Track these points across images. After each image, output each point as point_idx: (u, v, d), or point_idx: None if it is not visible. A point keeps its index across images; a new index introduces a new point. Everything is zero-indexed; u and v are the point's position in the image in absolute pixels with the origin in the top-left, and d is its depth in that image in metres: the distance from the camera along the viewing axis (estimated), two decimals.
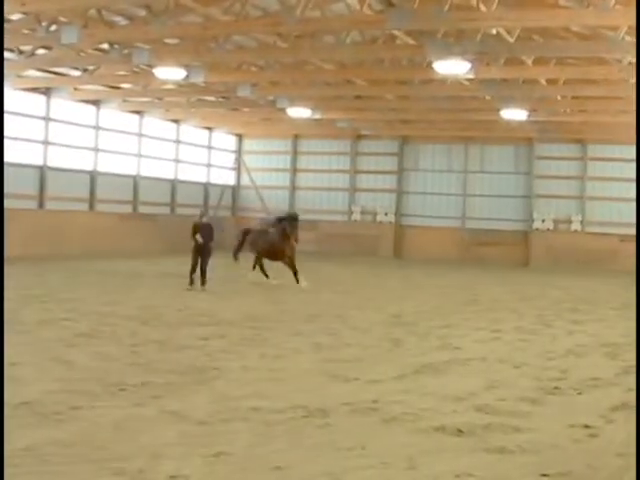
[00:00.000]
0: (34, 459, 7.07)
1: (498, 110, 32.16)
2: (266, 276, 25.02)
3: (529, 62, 26.16)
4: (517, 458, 7.64)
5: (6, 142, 32.84)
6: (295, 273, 24.44)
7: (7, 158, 32.65)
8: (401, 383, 10.87)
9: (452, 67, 23.15)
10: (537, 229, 42.01)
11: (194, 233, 22.79)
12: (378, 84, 31.12)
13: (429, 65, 24.34)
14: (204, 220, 23.53)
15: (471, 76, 25.41)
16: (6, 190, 31.63)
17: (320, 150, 46.57)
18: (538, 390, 10.58)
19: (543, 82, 28.84)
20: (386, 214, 44.92)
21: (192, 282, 22.48)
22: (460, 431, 8.41)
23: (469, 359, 12.91)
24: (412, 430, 8.48)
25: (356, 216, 45.65)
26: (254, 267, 25.33)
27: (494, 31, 22.56)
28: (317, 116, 36.48)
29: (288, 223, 25.41)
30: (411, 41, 23.72)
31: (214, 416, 8.73)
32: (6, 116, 32.81)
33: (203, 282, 22.46)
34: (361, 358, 12.76)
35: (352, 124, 40.58)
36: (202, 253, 22.70)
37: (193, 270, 22.63)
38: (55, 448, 7.39)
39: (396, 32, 23.10)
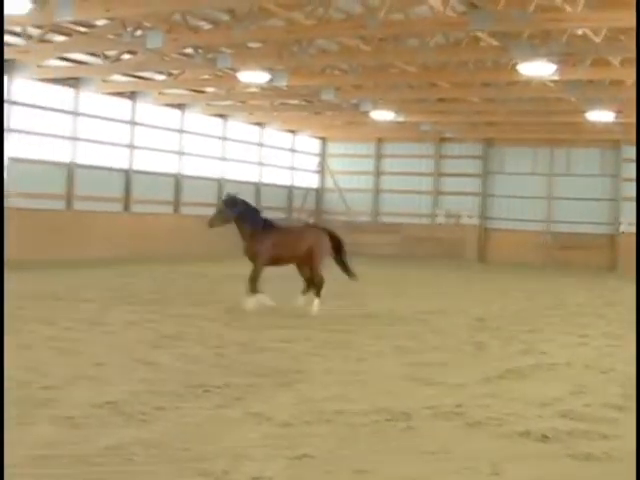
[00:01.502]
0: (118, 459, 7.12)
1: (584, 112, 31.78)
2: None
3: (616, 63, 25.77)
4: (603, 465, 7.50)
5: (93, 146, 33.36)
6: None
7: (94, 161, 33.19)
8: (485, 387, 10.76)
9: (537, 69, 22.95)
10: (624, 232, 41.29)
11: None
12: (462, 86, 30.95)
13: (514, 67, 24.14)
14: (312, 222, 22.60)
15: (556, 78, 25.16)
16: (93, 193, 32.10)
17: (403, 153, 46.45)
18: (625, 397, 10.36)
19: (630, 83, 28.39)
20: (470, 217, 44.64)
21: (307, 287, 21.77)
22: (545, 437, 8.27)
23: (554, 364, 12.73)
24: (496, 435, 8.38)
25: (440, 219, 45.43)
26: None
27: (580, 32, 22.27)
28: (400, 119, 36.41)
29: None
30: (495, 43, 23.52)
31: (297, 418, 8.72)
32: (93, 120, 33.35)
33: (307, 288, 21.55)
34: (445, 362, 12.67)
35: (435, 127, 40.41)
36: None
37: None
38: (139, 448, 7.44)
39: (480, 34, 22.92)
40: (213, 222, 18.50)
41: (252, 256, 18.10)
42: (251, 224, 18.21)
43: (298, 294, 18.59)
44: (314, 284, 18.35)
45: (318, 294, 18.16)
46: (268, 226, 18.41)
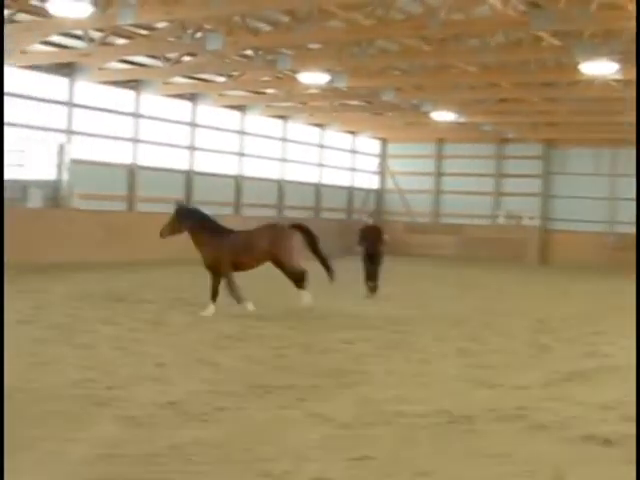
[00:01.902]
0: (179, 459, 7.17)
1: None
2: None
3: None
4: None
5: (154, 148, 33.62)
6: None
7: (155, 163, 33.45)
8: (548, 390, 10.67)
9: (599, 68, 22.73)
10: None
11: (362, 238, 21.73)
12: (523, 87, 30.74)
13: (575, 66, 23.93)
14: (371, 223, 22.40)
15: (619, 77, 24.87)
16: (154, 194, 32.31)
17: (464, 154, 46.24)
18: None
19: None
20: (531, 218, 44.31)
21: (371, 290, 21.54)
22: (609, 441, 8.16)
23: (618, 367, 12.59)
24: (559, 439, 8.30)
25: (500, 220, 45.15)
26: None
27: None
28: (461, 119, 36.27)
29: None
30: (557, 42, 23.34)
31: (358, 419, 8.72)
32: (153, 122, 33.61)
33: (372, 290, 21.58)
34: (507, 364, 12.59)
35: (496, 127, 40.17)
36: (373, 258, 21.66)
37: (368, 277, 21.67)
38: (200, 448, 7.48)
39: (541, 33, 22.75)
40: (163, 232, 17.73)
41: (212, 265, 17.48)
42: (207, 232, 17.54)
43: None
44: (295, 280, 17.82)
45: (301, 287, 17.72)
46: (223, 232, 17.76)
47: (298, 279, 17.71)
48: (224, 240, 17.53)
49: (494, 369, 12.05)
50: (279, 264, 17.81)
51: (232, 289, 17.49)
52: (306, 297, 17.47)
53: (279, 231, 18.06)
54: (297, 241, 18.06)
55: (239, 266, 17.76)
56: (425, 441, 8.03)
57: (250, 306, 17.27)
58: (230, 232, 17.91)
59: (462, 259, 41.08)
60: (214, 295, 17.25)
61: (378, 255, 21.56)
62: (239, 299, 17.41)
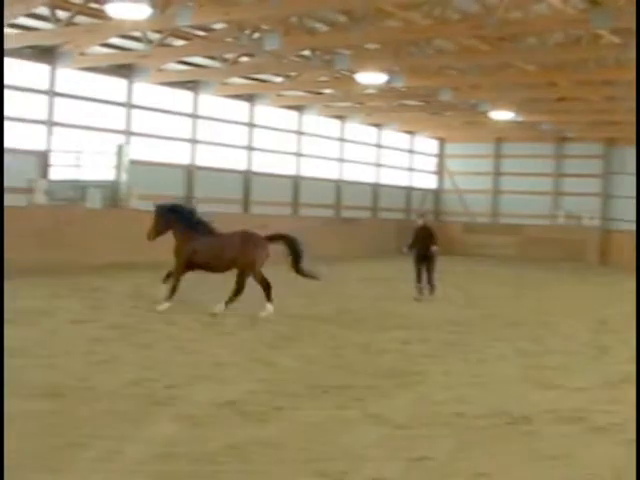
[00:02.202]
0: (237, 458, 7.19)
1: None
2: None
3: None
4: None
5: (213, 148, 33.81)
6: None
7: (213, 163, 33.63)
8: (608, 392, 10.57)
9: None
10: None
11: (416, 239, 21.18)
12: (582, 85, 30.44)
13: (635, 64, 23.64)
14: (423, 223, 21.67)
15: None
16: (212, 195, 32.44)
17: (523, 153, 45.89)
18: None
19: None
20: (591, 218, 43.87)
21: (421, 292, 21.01)
22: None
23: None
24: (619, 441, 8.21)
25: (560, 220, 44.77)
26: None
27: None
28: (520, 119, 36.01)
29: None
30: (617, 40, 23.09)
31: (416, 420, 8.70)
32: (211, 123, 33.79)
33: (431, 290, 21.01)
34: (566, 365, 12.48)
35: (555, 127, 39.86)
36: (426, 259, 21.05)
37: (419, 279, 21.07)
38: (258, 447, 7.50)
39: (601, 31, 22.52)
40: (149, 235, 17.68)
41: (175, 254, 17.34)
42: (183, 226, 17.25)
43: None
44: (265, 288, 17.10)
45: (232, 299, 16.73)
46: (199, 231, 17.27)
47: (236, 292, 16.88)
48: (195, 238, 17.19)
49: (553, 370, 11.95)
50: (240, 272, 17.12)
51: (174, 284, 17.00)
52: (268, 309, 16.68)
53: (250, 242, 17.43)
54: (265, 253, 17.63)
55: (207, 267, 17.49)
56: (483, 442, 7.99)
57: (162, 307, 16.55)
58: (209, 232, 17.47)
59: (521, 259, 40.81)
60: (173, 291, 16.88)
61: (430, 256, 21.03)
62: (167, 297, 16.84)
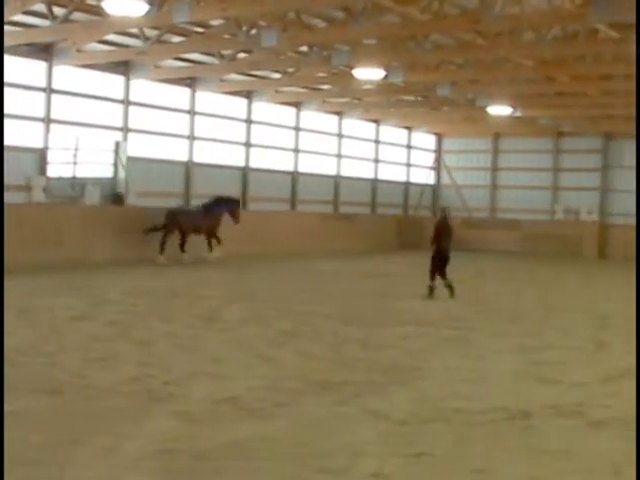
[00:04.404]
0: (239, 454, 7.22)
1: None
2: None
3: None
4: None
5: (211, 145, 33.82)
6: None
7: (211, 160, 33.65)
8: (607, 387, 10.59)
9: None
10: None
11: (437, 236, 20.09)
12: (580, 80, 30.41)
13: (633, 59, 23.63)
14: (445, 220, 20.61)
15: None
16: (210, 191, 32.46)
17: (521, 148, 45.89)
18: None
19: None
20: (589, 213, 43.86)
21: (432, 291, 20.15)
22: None
23: None
24: (619, 436, 8.24)
25: (559, 215, 44.78)
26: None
27: None
28: (518, 114, 36.01)
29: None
30: (615, 34, 23.07)
31: (415, 416, 8.72)
32: (209, 119, 33.79)
33: (451, 292, 19.91)
34: (566, 360, 12.51)
35: (553, 121, 39.84)
36: (445, 257, 20.14)
37: (432, 277, 20.10)
38: (259, 443, 7.53)
39: (599, 25, 22.50)
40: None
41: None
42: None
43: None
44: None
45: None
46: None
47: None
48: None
49: (553, 365, 11.98)
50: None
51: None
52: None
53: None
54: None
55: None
56: (483, 438, 8.01)
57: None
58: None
59: (520, 254, 40.81)
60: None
61: (449, 254, 20.17)
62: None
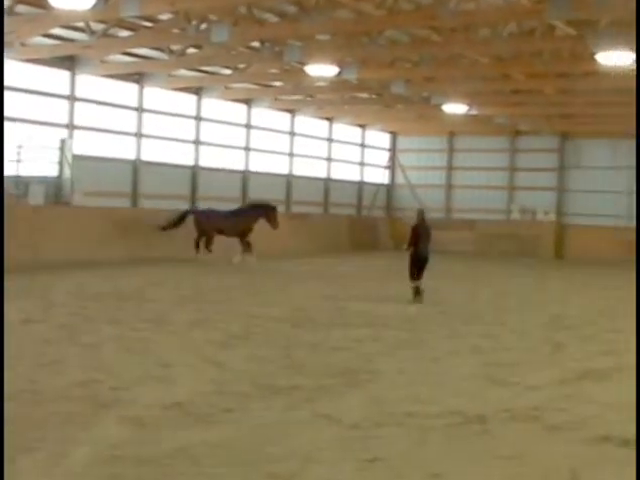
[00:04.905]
0: (187, 460, 7.18)
1: None
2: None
3: None
4: None
5: (159, 142, 33.67)
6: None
7: (159, 158, 33.50)
8: (563, 389, 10.65)
9: (616, 58, 22.61)
10: None
11: (414, 239, 19.98)
12: (537, 78, 30.62)
13: (591, 57, 23.82)
14: (423, 222, 20.44)
15: (636, 67, 24.75)
16: (159, 191, 32.35)
17: (477, 147, 46.17)
18: None
19: None
20: (546, 213, 44.21)
21: (417, 293, 19.93)
22: (626, 442, 8.14)
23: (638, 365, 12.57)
24: (575, 440, 8.29)
25: (515, 215, 45.07)
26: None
27: None
28: (473, 112, 36.18)
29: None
30: (572, 31, 23.25)
31: (368, 420, 8.71)
32: (158, 116, 33.63)
33: (420, 295, 19.94)
34: (521, 362, 12.57)
35: (510, 120, 40.08)
36: (423, 261, 20.15)
37: (413, 279, 19.99)
38: (207, 450, 7.49)
39: (556, 22, 22.66)
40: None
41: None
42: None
43: None
44: None
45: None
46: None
47: None
48: None
49: (508, 367, 12.03)
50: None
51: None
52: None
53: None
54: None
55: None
56: (437, 442, 8.02)
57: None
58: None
59: (475, 255, 41.05)
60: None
61: (427, 257, 20.26)
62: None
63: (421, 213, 20.73)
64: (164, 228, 29.77)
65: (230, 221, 30.65)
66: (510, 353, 13.42)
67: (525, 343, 14.52)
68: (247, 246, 30.52)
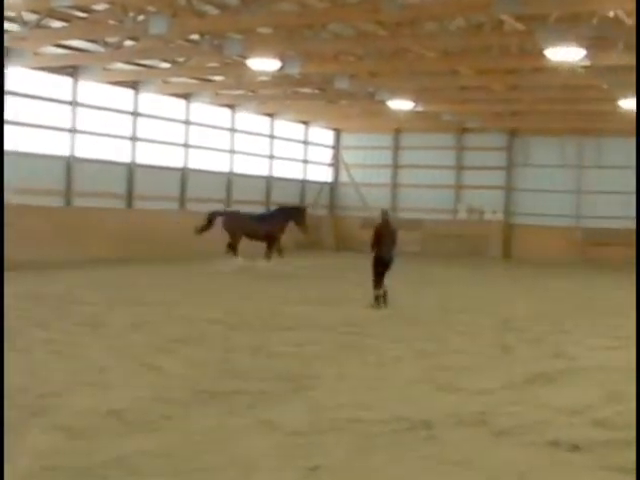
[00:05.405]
0: (124, 470, 7.13)
1: (616, 100, 31.61)
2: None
3: None
4: None
5: (94, 138, 33.43)
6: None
7: (94, 155, 33.25)
8: (511, 393, 10.72)
9: (565, 54, 22.79)
10: None
11: (377, 241, 19.73)
12: (485, 73, 30.80)
13: (540, 52, 24.01)
14: (387, 223, 20.24)
15: (586, 63, 25.00)
16: (93, 189, 32.12)
17: (423, 145, 46.29)
18: None
19: None
20: (494, 212, 44.46)
21: (378, 299, 19.56)
22: (576, 447, 8.22)
23: (585, 368, 12.69)
24: (523, 444, 8.34)
25: (462, 215, 45.27)
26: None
27: (611, 14, 22.13)
28: (419, 108, 36.29)
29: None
30: (520, 27, 23.40)
31: (310, 426, 8.71)
32: (93, 111, 33.38)
33: (384, 298, 19.68)
34: (468, 366, 12.63)
35: (457, 117, 40.27)
36: (386, 264, 19.77)
37: (377, 285, 19.68)
38: (145, 459, 7.44)
39: (504, 17, 22.79)
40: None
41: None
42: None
43: None
44: None
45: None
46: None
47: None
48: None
49: (455, 371, 12.08)
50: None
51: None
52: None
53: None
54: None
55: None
56: (382, 449, 8.03)
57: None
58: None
59: (421, 255, 41.17)
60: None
61: (391, 260, 19.89)
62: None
63: (385, 214, 20.64)
64: (200, 231, 30.28)
65: (256, 225, 31.12)
66: (457, 356, 13.47)
67: (472, 346, 14.59)
68: (271, 251, 30.98)
